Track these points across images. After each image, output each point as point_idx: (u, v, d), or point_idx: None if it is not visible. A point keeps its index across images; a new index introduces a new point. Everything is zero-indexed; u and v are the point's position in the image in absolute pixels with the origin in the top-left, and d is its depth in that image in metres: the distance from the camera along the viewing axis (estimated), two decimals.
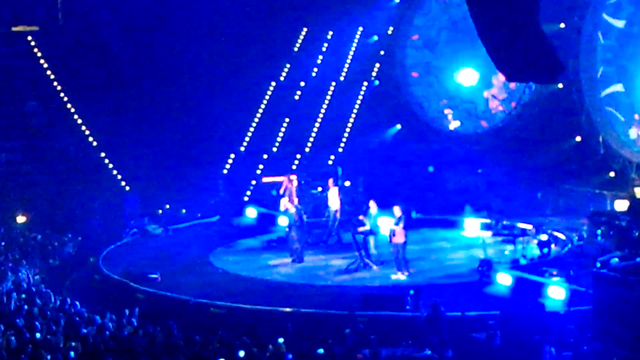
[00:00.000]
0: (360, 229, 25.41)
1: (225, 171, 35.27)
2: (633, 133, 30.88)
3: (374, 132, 37.41)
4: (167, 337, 18.81)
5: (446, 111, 37.13)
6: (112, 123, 34.90)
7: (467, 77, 36.44)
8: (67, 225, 30.08)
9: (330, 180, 29.15)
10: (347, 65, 37.74)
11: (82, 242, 29.22)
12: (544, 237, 25.98)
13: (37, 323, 19.85)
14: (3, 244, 27.79)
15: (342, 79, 37.71)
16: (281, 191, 28.74)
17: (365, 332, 18.97)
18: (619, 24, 31.40)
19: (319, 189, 30.20)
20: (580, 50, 32.18)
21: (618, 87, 31.58)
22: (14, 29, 35.63)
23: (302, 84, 37.31)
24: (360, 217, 25.66)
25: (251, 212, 31.22)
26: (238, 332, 19.07)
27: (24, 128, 34.26)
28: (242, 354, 17.39)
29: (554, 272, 22.14)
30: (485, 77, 35.42)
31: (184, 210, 32.87)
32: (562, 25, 31.81)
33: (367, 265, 25.10)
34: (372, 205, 25.41)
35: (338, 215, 28.18)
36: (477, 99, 36.58)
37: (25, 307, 21.43)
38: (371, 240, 25.33)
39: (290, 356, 17.25)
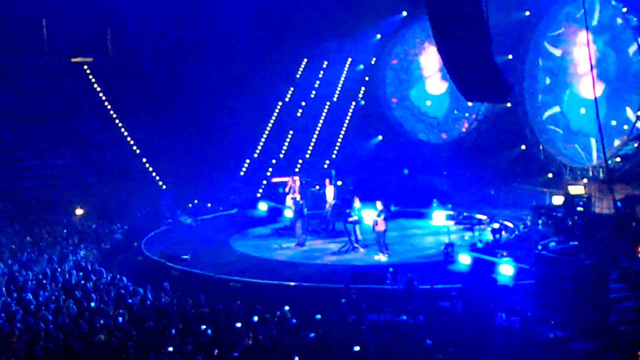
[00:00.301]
0: (350, 219, 25.58)
1: (242, 173, 35.32)
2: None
3: (360, 142, 37.46)
4: (196, 306, 18.98)
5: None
6: (151, 135, 34.98)
7: (435, 86, 36.51)
8: (116, 216, 30.17)
9: (327, 180, 29.28)
10: (339, 88, 37.79)
11: (128, 230, 29.33)
12: (496, 225, 26.09)
13: (92, 295, 20.01)
14: (65, 231, 27.98)
15: (335, 99, 37.75)
16: (287, 189, 28.82)
17: (356, 302, 19.09)
18: (557, 52, 31.45)
19: (317, 187, 30.22)
20: (524, 77, 32.35)
21: (556, 109, 31.64)
22: (73, 60, 35.66)
23: (303, 103, 37.38)
24: (348, 211, 25.82)
25: (263, 206, 31.30)
26: (252, 302, 19.16)
27: (80, 139, 34.18)
28: (255, 318, 17.52)
29: (504, 254, 22.27)
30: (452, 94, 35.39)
31: (209, 205, 32.90)
32: (510, 56, 31.92)
33: (355, 248, 25.29)
34: (356, 201, 25.59)
35: (332, 207, 28.22)
36: (440, 116, 36.56)
37: (83, 282, 21.55)
38: (357, 228, 25.45)
39: (294, 320, 17.39)
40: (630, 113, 28.51)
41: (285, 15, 35.62)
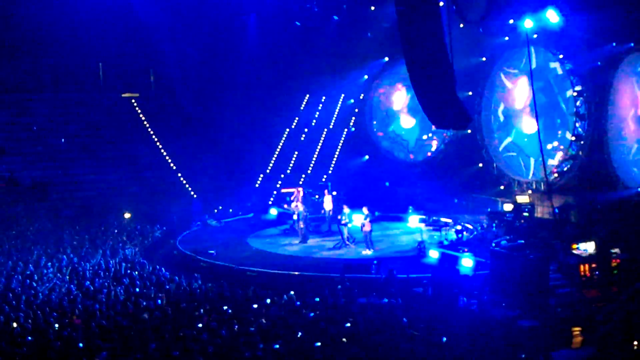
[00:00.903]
0: (343, 222, 25.59)
1: (257, 185, 35.33)
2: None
3: (351, 160, 37.44)
4: (220, 291, 18.95)
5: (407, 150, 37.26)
6: (185, 154, 35.10)
7: (406, 121, 36.63)
8: (156, 219, 30.17)
9: (326, 191, 29.32)
10: (334, 118, 37.80)
11: (166, 230, 29.32)
12: (459, 227, 26.19)
13: (137, 282, 20.01)
14: (116, 231, 27.95)
15: (331, 126, 37.80)
16: (292, 198, 28.80)
17: (348, 288, 19.10)
18: (509, 84, 31.51)
19: (317, 196, 30.21)
20: (481, 109, 32.38)
21: (509, 140, 31.67)
22: (123, 95, 35.77)
23: (306, 129, 37.43)
24: (339, 217, 25.84)
25: (273, 211, 31.29)
26: (264, 287, 19.18)
27: (128, 159, 34.29)
28: (268, 301, 17.52)
29: (465, 249, 22.30)
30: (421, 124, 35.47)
31: (230, 210, 32.93)
32: (470, 93, 31.97)
33: (347, 245, 25.28)
34: (345, 208, 25.58)
35: (330, 213, 28.24)
36: (410, 140, 36.60)
37: (129, 271, 21.56)
38: (345, 229, 25.43)
39: (298, 303, 17.37)
40: (568, 135, 28.52)
41: (292, 59, 35.66)
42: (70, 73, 35.61)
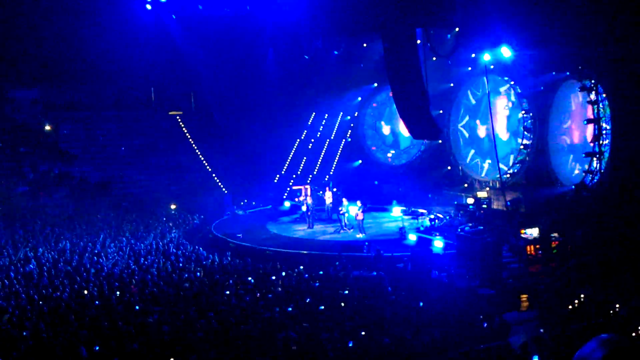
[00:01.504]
0: (341, 212, 25.64)
1: (274, 182, 35.37)
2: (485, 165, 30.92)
3: (347, 164, 37.42)
4: (244, 266, 19.01)
5: (389, 154, 37.09)
6: (218, 159, 35.09)
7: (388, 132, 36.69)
8: (195, 210, 30.24)
9: (327, 188, 29.33)
10: (334, 131, 37.70)
11: (203, 218, 29.37)
12: (432, 216, 26.18)
13: (180, 258, 20.07)
14: (164, 219, 28.02)
15: (332, 137, 37.70)
16: (302, 193, 28.81)
17: (345, 263, 19.13)
18: (472, 100, 31.53)
19: (321, 192, 30.17)
20: (450, 124, 32.37)
21: (472, 151, 31.68)
22: (170, 113, 35.84)
23: (312, 140, 37.33)
24: (339, 208, 25.87)
25: (287, 204, 31.32)
26: (280, 263, 19.23)
27: (174, 164, 34.34)
28: (283, 273, 17.57)
29: (437, 234, 22.21)
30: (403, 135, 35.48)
31: (254, 203, 32.91)
32: (441, 111, 31.90)
33: (344, 230, 25.33)
34: (344, 201, 25.66)
35: (330, 205, 28.26)
36: (395, 148, 36.65)
37: (174, 250, 21.62)
38: (344, 217, 25.46)
39: (306, 275, 17.44)
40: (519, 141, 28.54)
41: (301, 85, 35.65)
42: (128, 95, 35.71)
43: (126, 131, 35.03)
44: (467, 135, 31.90)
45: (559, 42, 22.03)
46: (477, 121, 31.06)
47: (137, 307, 14.26)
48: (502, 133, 29.37)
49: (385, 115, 37.14)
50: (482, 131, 30.83)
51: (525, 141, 27.79)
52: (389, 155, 36.93)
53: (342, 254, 20.66)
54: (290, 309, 13.94)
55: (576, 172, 25.42)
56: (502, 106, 29.65)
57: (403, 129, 34.01)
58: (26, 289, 16.23)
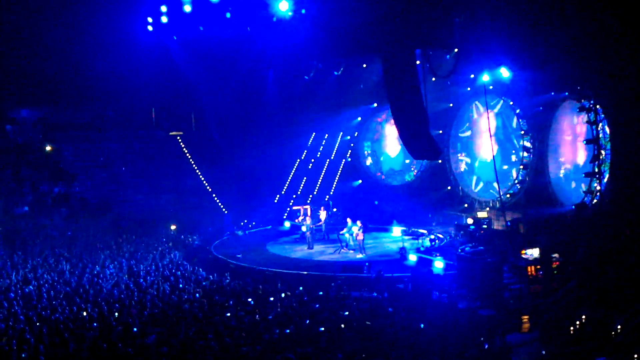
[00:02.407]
0: (342, 232, 25.56)
1: (274, 202, 35.32)
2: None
3: (348, 183, 37.42)
4: (244, 286, 18.90)
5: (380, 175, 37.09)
6: (218, 179, 35.01)
7: (392, 149, 36.59)
8: (195, 230, 30.17)
9: (322, 207, 29.26)
10: (334, 151, 37.77)
11: (203, 238, 29.29)
12: (432, 236, 26.10)
13: (180, 279, 19.96)
14: (164, 239, 27.93)
15: (332, 157, 37.75)
16: (302, 213, 28.70)
17: (341, 284, 19.02)
18: (467, 133, 31.63)
19: (319, 212, 30.01)
20: (449, 144, 32.42)
21: (466, 166, 31.75)
22: (171, 133, 35.87)
23: (312, 160, 37.37)
24: (344, 231, 25.80)
25: (287, 224, 31.26)
26: (280, 284, 19.13)
27: (175, 184, 34.30)
28: (282, 295, 17.46)
29: (437, 254, 22.11)
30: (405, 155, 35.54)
31: (253, 223, 32.85)
32: (440, 131, 31.99)
33: (344, 250, 25.20)
34: (348, 220, 25.53)
35: (324, 225, 28.17)
36: (395, 167, 36.57)
37: (174, 271, 21.51)
38: (350, 238, 25.32)
39: (305, 298, 17.31)
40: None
41: (301, 105, 35.74)
42: (130, 115, 35.69)
43: (127, 151, 35.07)
44: (468, 160, 31.96)
45: (557, 62, 22.12)
46: (477, 140, 31.12)
47: (135, 329, 14.14)
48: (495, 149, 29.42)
49: (384, 136, 37.19)
50: (482, 150, 30.84)
51: (524, 162, 27.80)
52: (382, 176, 36.97)
53: (338, 274, 20.54)
54: (289, 330, 13.83)
55: (576, 191, 25.38)
56: (494, 125, 29.65)
57: (397, 150, 34.10)
58: (25, 311, 16.13)
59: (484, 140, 29.87)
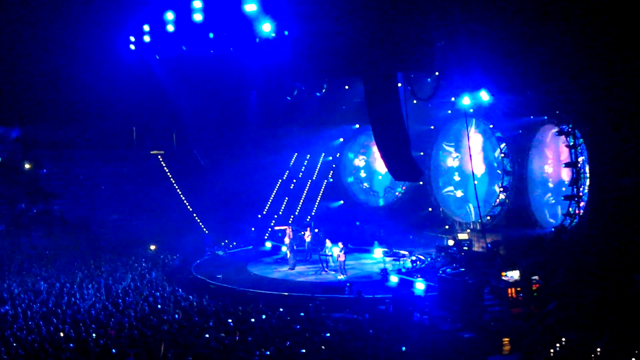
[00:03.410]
0: (323, 253, 25.49)
1: (256, 223, 35.18)
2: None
3: (329, 204, 37.39)
4: (224, 307, 18.77)
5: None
6: (199, 199, 34.75)
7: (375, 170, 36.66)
8: (175, 250, 29.92)
9: (308, 228, 29.12)
10: (316, 171, 37.76)
11: (183, 258, 29.04)
12: (413, 258, 26.11)
13: (159, 300, 19.77)
14: (143, 259, 27.66)
15: (314, 178, 37.72)
16: (287, 235, 28.45)
17: (319, 305, 18.95)
18: (453, 152, 31.83)
19: (302, 232, 29.82)
20: (430, 166, 32.54)
21: (450, 188, 31.83)
22: (152, 152, 35.64)
23: (294, 180, 37.30)
24: (323, 250, 25.74)
25: (268, 244, 31.07)
26: (260, 305, 19.01)
27: (155, 205, 34.00)
28: (263, 316, 17.35)
29: (419, 276, 22.20)
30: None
31: (234, 243, 32.62)
32: (422, 153, 32.12)
33: (326, 272, 25.10)
34: (328, 242, 25.49)
35: (309, 245, 28.08)
36: (379, 190, 36.66)
37: (153, 291, 21.31)
38: (330, 259, 25.23)
39: (288, 317, 17.21)
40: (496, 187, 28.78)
41: (283, 125, 35.78)
42: (110, 134, 35.33)
43: (107, 170, 34.68)
44: (447, 177, 32.13)
45: (536, 86, 22.45)
46: (455, 161, 31.39)
47: (113, 350, 13.92)
48: (479, 171, 29.59)
49: (368, 156, 37.35)
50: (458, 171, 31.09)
51: (504, 184, 28.02)
52: (363, 197, 37.05)
53: (317, 295, 20.49)
54: (269, 352, 13.70)
55: (556, 214, 25.59)
56: (478, 147, 29.87)
57: (383, 170, 34.23)
58: (1, 331, 15.82)
59: (466, 164, 30.09)
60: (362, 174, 37.53)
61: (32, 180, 32.43)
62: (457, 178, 31.38)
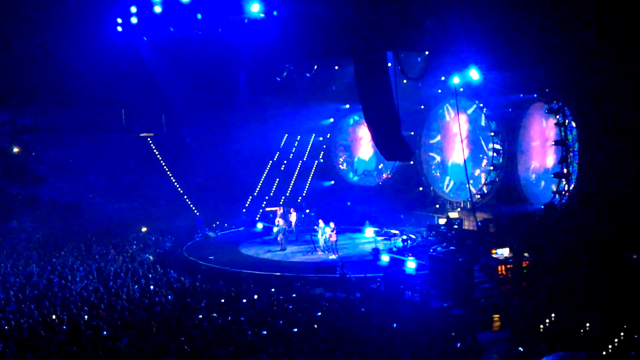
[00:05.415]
0: (317, 232, 25.54)
1: (247, 204, 35.17)
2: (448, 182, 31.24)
3: (320, 185, 37.40)
4: (217, 288, 18.82)
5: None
6: (189, 181, 34.73)
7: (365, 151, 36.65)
8: (167, 232, 29.91)
9: (292, 209, 29.03)
10: (307, 152, 37.72)
11: (174, 241, 29.03)
12: (404, 237, 26.22)
13: (151, 281, 19.79)
14: (135, 242, 27.64)
15: (305, 158, 37.70)
16: (277, 216, 28.43)
17: (305, 283, 19.07)
18: (438, 137, 31.87)
19: (288, 213, 29.69)
20: (421, 146, 32.61)
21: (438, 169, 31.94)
22: (141, 135, 35.44)
23: (285, 161, 37.28)
24: (315, 227, 25.79)
25: (260, 225, 31.12)
26: (253, 286, 19.07)
27: (146, 186, 33.90)
28: (255, 296, 17.41)
29: (410, 255, 22.31)
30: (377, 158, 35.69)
31: (226, 224, 32.62)
32: (412, 132, 32.17)
33: (316, 251, 25.15)
34: (320, 222, 25.45)
35: (294, 227, 28.14)
36: (371, 169, 36.66)
37: (145, 273, 21.33)
38: (322, 239, 25.26)
39: (282, 297, 17.28)
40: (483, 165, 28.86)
41: (273, 107, 35.73)
42: (99, 116, 35.13)
43: (97, 153, 34.48)
44: (438, 158, 32.18)
45: (526, 64, 22.40)
46: (449, 141, 31.40)
47: (105, 333, 13.93)
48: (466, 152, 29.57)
49: (357, 137, 37.28)
50: (454, 153, 31.08)
51: (494, 162, 28.10)
52: (354, 177, 37.03)
53: (311, 275, 20.56)
54: (263, 332, 13.76)
55: (545, 192, 25.71)
56: (466, 126, 29.88)
57: (372, 150, 34.23)
58: None
59: (456, 143, 30.13)
60: (353, 155, 37.54)
61: (21, 164, 32.23)
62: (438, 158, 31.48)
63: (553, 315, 14.58)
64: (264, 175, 36.71)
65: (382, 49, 21.23)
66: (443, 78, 27.94)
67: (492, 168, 28.26)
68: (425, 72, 24.79)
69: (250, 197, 35.67)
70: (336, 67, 32.62)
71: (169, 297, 17.75)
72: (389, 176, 35.24)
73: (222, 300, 16.95)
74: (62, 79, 31.03)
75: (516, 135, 27.41)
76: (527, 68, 22.72)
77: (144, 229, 30.06)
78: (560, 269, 17.85)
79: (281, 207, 29.39)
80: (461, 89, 27.26)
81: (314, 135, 37.81)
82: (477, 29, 20.92)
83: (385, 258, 22.60)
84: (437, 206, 31.40)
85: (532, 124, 26.81)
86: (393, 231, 27.48)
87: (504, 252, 19.85)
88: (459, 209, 29.25)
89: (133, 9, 26.29)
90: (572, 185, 22.99)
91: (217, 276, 21.39)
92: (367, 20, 20.38)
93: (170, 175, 34.84)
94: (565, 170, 23.04)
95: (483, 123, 29.08)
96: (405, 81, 26.88)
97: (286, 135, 37.34)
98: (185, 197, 34.22)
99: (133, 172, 34.41)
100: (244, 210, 34.60)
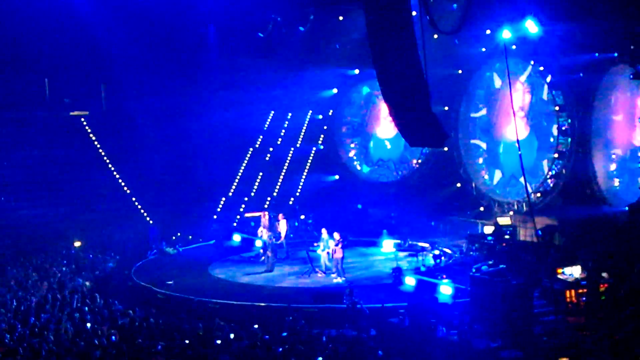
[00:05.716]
0: (317, 247, 25.52)
1: (219, 208, 35.19)
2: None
3: (320, 181, 37.39)
4: (179, 325, 18.83)
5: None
6: (140, 177, 34.72)
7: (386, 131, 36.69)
8: (110, 247, 29.94)
9: (281, 215, 28.95)
10: (301, 136, 37.71)
11: (119, 259, 29.04)
12: (436, 252, 26.23)
13: (87, 316, 19.80)
14: (65, 261, 27.62)
15: (298, 145, 37.69)
16: (262, 224, 28.40)
17: (298, 318, 19.09)
18: (483, 111, 31.87)
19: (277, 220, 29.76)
20: (458, 126, 32.54)
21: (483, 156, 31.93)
22: (72, 113, 35.45)
23: (271, 149, 37.32)
24: (315, 244, 25.79)
25: (237, 237, 31.11)
26: (228, 320, 19.07)
27: (79, 183, 33.92)
28: (232, 335, 17.41)
29: (444, 276, 22.28)
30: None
31: (190, 237, 32.62)
32: (446, 107, 32.11)
33: (315, 272, 25.16)
34: (324, 232, 25.41)
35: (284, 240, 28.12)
36: (394, 157, 36.68)
37: (79, 305, 21.33)
38: (325, 257, 25.25)
39: (267, 337, 17.30)
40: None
41: (254, 72, 35.61)
42: (11, 90, 34.97)
43: (8, 140, 34.31)
44: (482, 144, 32.22)
45: (603, 13, 22.39)
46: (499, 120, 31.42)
47: None
48: (522, 132, 29.49)
49: (372, 114, 37.26)
50: (505, 131, 31.02)
51: (560, 147, 28.09)
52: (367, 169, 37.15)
53: (308, 305, 20.61)
54: None
55: (630, 188, 25.71)
56: (521, 98, 29.86)
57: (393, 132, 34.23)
58: None
59: (508, 121, 30.10)
60: (365, 139, 37.54)
61: None
62: (498, 139, 31.53)
63: None
64: (242, 167, 36.74)
65: None
66: (489, 32, 27.89)
67: (556, 156, 28.26)
68: (464, 24, 24.75)
69: (224, 199, 35.70)
70: (340, 18, 32.61)
71: (112, 337, 17.76)
72: (418, 166, 35.12)
73: (186, 342, 16.97)
74: None
75: (590, 109, 27.39)
76: (605, 19, 22.71)
77: (77, 244, 30.07)
78: None
79: (266, 213, 29.41)
80: (513, 47, 27.24)
81: (310, 111, 37.82)
82: None
83: (410, 281, 22.60)
84: (482, 209, 31.42)
85: (613, 94, 26.81)
86: (420, 244, 27.48)
87: (573, 272, 19.87)
88: (511, 213, 29.26)
89: None
90: None
91: (179, 308, 21.40)
92: None
93: (112, 169, 34.80)
94: None
95: (545, 95, 29.05)
96: (436, 36, 26.87)
97: (272, 112, 37.38)
98: (134, 198, 34.22)
99: (60, 164, 34.37)
100: (215, 216, 34.64)
